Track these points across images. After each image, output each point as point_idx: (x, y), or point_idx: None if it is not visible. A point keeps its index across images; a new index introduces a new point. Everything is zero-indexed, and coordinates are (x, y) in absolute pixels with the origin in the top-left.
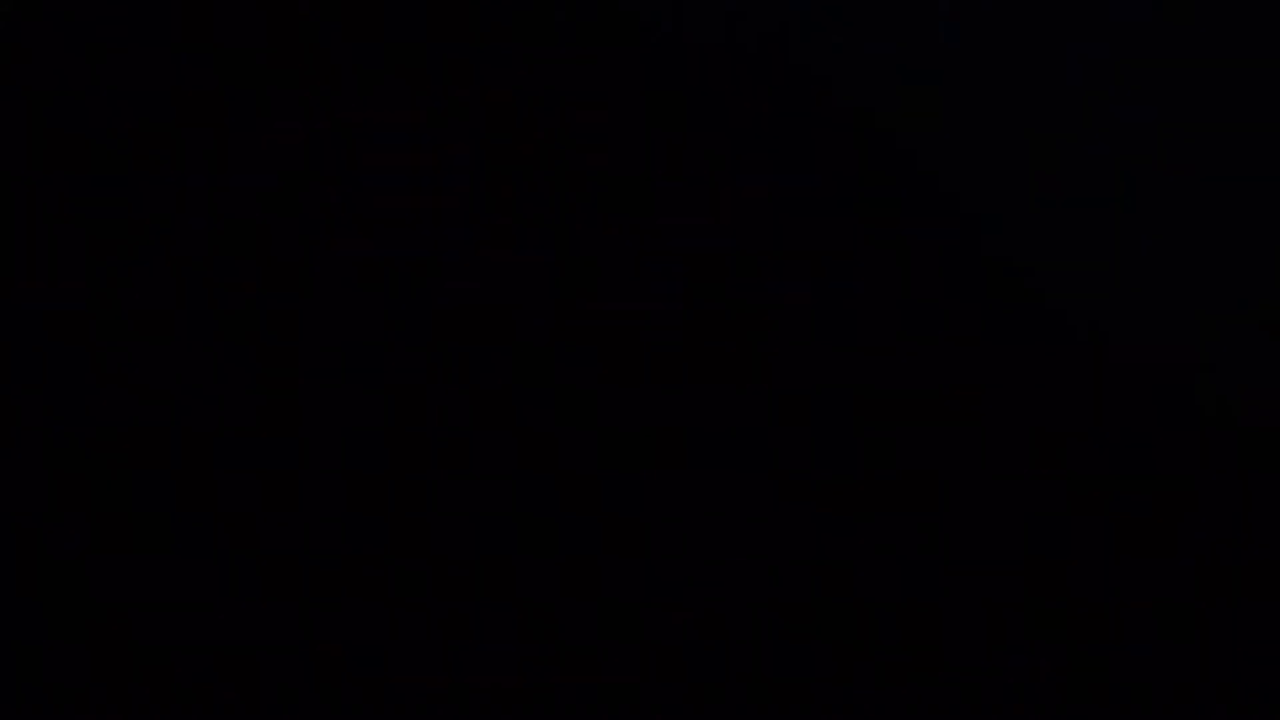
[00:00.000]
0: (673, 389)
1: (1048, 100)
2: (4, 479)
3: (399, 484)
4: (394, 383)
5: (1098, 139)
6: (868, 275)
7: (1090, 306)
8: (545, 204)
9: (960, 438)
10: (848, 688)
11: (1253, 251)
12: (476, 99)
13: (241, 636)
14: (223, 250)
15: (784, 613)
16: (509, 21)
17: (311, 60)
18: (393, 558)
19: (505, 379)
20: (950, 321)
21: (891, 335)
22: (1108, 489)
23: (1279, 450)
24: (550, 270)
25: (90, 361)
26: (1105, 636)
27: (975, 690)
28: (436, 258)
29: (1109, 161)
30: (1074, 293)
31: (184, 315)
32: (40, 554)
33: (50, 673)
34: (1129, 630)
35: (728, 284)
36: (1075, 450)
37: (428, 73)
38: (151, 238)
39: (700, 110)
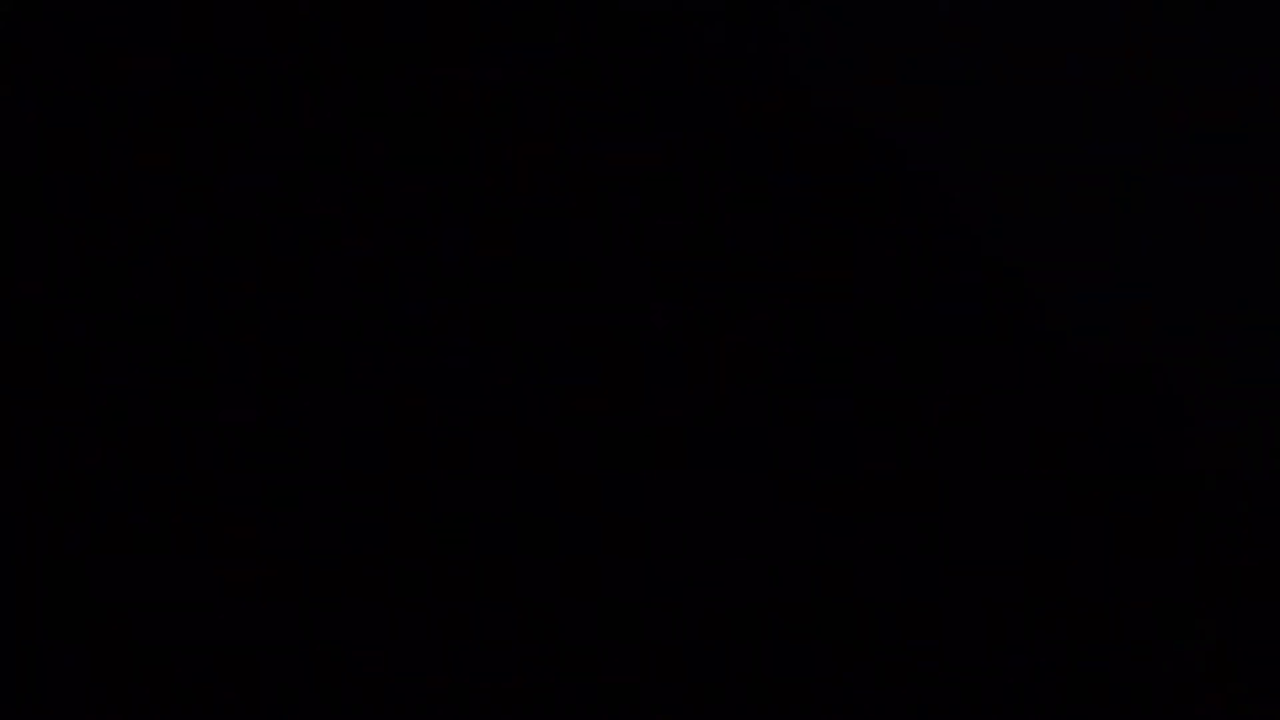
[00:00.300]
0: (672, 389)
1: (1048, 101)
2: (4, 479)
3: (399, 484)
4: (394, 382)
5: (1098, 139)
6: (867, 275)
7: (1090, 306)
8: (544, 204)
9: (959, 437)
10: (848, 688)
11: (1252, 252)
12: (476, 99)
13: (241, 636)
14: (223, 250)
15: (784, 613)
16: (508, 21)
17: (311, 60)
18: (393, 558)
19: (505, 379)
20: (950, 322)
21: (891, 335)
22: (1105, 488)
23: (1275, 449)
24: (550, 270)
25: (90, 361)
26: (1103, 636)
27: (975, 690)
28: (437, 258)
29: (1109, 163)
30: (1072, 292)
31: (184, 315)
32: (40, 554)
33: (50, 673)
34: (1127, 630)
35: (727, 284)
36: (1073, 449)
37: (427, 72)
38: (151, 238)
39: (699, 110)
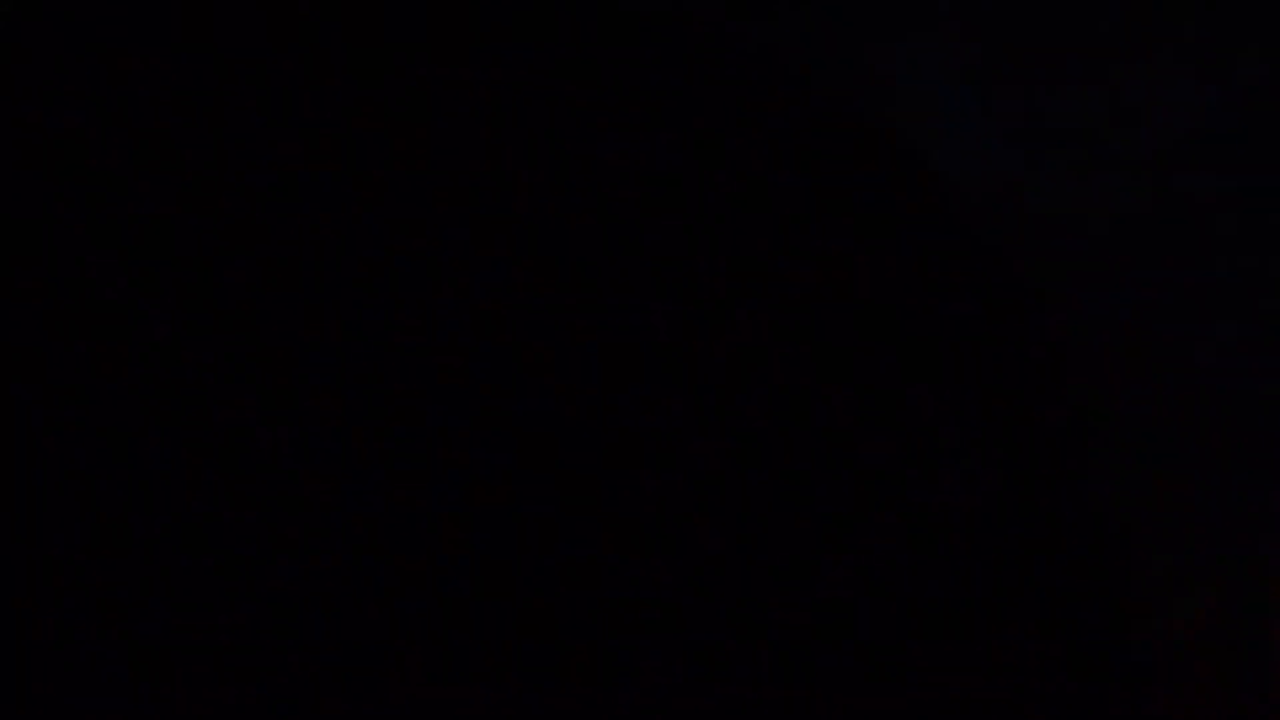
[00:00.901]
0: (672, 388)
1: (1048, 101)
2: (4, 479)
3: (398, 483)
4: (393, 382)
5: (1098, 140)
6: (867, 275)
7: (1089, 305)
8: (545, 204)
9: (958, 436)
10: (848, 688)
11: (1253, 253)
12: (475, 99)
13: (241, 637)
14: (223, 250)
15: (784, 612)
16: (509, 21)
17: (312, 60)
18: (392, 557)
19: (505, 379)
20: (950, 321)
21: (891, 335)
22: (1105, 488)
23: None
24: (550, 270)
25: (90, 361)
26: (1099, 635)
27: (974, 690)
28: (437, 258)
29: (1110, 162)
30: (1073, 292)
31: (184, 315)
32: (40, 554)
33: (50, 673)
34: (1125, 628)
35: (727, 284)
36: (1073, 449)
37: (427, 73)
38: (152, 238)
39: (700, 110)
